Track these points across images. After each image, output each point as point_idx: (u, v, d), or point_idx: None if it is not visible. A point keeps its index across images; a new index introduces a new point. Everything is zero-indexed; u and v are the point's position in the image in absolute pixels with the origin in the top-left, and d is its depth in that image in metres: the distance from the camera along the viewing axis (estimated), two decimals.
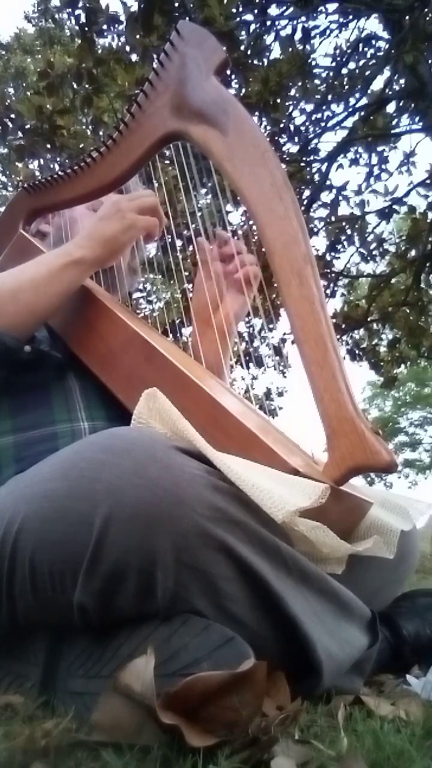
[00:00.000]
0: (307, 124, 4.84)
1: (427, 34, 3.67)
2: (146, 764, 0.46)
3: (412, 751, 0.46)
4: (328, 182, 5.00)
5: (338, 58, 4.56)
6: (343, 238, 5.35)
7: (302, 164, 4.84)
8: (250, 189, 0.85)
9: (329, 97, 4.71)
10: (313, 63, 4.51)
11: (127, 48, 3.82)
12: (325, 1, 3.96)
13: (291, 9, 3.87)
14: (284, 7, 3.90)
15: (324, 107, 4.79)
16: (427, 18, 3.85)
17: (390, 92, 4.72)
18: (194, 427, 0.67)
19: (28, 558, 0.65)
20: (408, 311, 5.68)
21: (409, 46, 3.53)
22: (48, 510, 0.64)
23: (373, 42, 4.58)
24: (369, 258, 5.59)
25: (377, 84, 4.81)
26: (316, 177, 4.98)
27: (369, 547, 0.74)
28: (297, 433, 0.88)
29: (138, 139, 0.98)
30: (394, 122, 4.90)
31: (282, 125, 4.62)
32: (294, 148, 4.83)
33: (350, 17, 4.31)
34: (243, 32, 3.85)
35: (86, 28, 3.66)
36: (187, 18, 3.26)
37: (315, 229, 5.11)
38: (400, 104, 4.75)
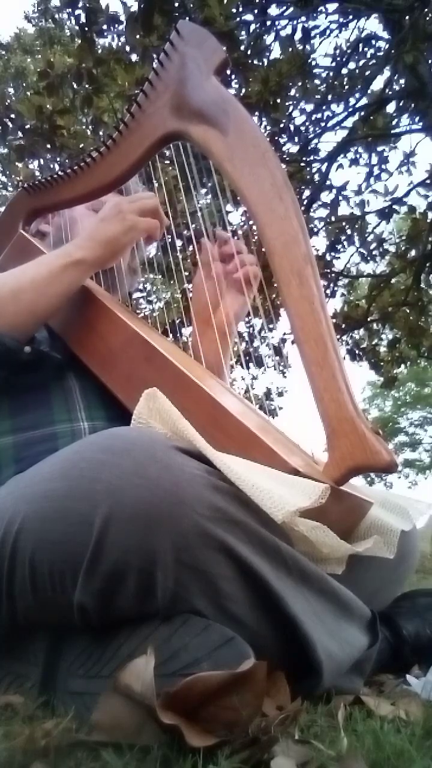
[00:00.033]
0: (307, 124, 4.85)
1: (427, 34, 3.67)
2: (146, 764, 0.46)
3: (412, 751, 0.46)
4: (328, 182, 5.01)
5: (338, 58, 4.56)
6: (343, 238, 5.36)
7: (302, 164, 4.84)
8: (250, 189, 0.85)
9: (329, 97, 4.71)
10: (313, 63, 4.51)
11: (127, 48, 3.82)
12: (325, 1, 3.96)
13: (291, 9, 3.87)
14: (284, 7, 3.90)
15: (324, 107, 4.79)
16: (427, 18, 3.85)
17: (390, 92, 4.72)
18: (194, 427, 0.67)
19: (28, 558, 0.65)
20: (408, 311, 5.68)
21: (409, 46, 3.53)
22: (48, 510, 0.64)
23: (373, 42, 4.59)
24: (369, 258, 5.59)
25: (377, 84, 4.82)
26: (316, 177, 4.98)
27: (369, 547, 0.74)
28: (297, 433, 0.88)
29: (138, 139, 0.98)
30: (394, 122, 4.90)
31: (282, 125, 4.62)
32: (294, 148, 4.83)
33: (350, 17, 4.31)
34: (243, 32, 3.86)
35: (86, 28, 3.66)
36: (187, 18, 3.26)
37: (315, 229, 5.11)
38: (400, 104, 4.75)
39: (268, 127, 4.53)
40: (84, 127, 4.76)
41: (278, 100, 4.30)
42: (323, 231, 5.30)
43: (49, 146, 4.10)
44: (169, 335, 1.28)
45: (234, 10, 3.55)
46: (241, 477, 0.62)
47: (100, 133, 4.25)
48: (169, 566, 0.58)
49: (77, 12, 3.63)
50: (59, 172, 1.09)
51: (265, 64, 4.22)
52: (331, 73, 4.66)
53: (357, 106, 4.73)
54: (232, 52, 3.40)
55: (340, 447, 0.72)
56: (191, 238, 1.08)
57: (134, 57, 3.78)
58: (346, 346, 6.04)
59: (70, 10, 3.64)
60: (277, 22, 4.01)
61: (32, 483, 0.69)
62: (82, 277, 0.96)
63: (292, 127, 4.73)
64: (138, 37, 3.49)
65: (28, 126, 4.04)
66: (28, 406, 0.94)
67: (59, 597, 0.64)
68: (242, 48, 3.80)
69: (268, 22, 3.96)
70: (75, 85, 3.95)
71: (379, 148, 4.94)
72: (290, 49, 4.16)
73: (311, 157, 4.87)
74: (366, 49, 4.63)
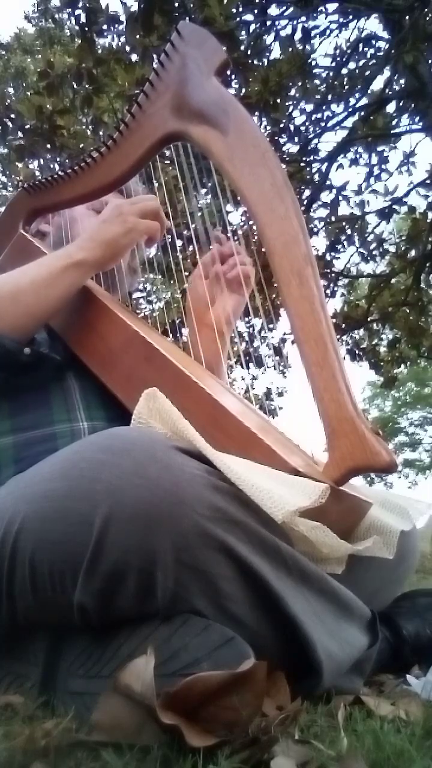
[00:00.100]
0: (307, 124, 4.85)
1: (427, 34, 3.67)
2: (146, 764, 0.46)
3: (412, 751, 0.46)
4: (328, 182, 5.01)
5: (338, 58, 4.56)
6: (343, 238, 5.36)
7: (302, 164, 4.84)
8: (250, 189, 0.85)
9: (329, 97, 4.71)
10: (313, 63, 4.51)
11: (127, 48, 3.82)
12: (325, 1, 3.96)
13: (291, 9, 3.87)
14: (284, 7, 3.90)
15: (324, 107, 4.79)
16: (427, 18, 3.85)
17: (390, 92, 4.72)
18: (194, 427, 0.67)
19: (28, 558, 0.65)
20: (408, 311, 5.68)
21: (409, 46, 3.53)
22: (48, 510, 0.64)
23: (373, 42, 4.59)
24: (369, 258, 5.60)
25: (377, 84, 4.83)
26: (316, 177, 4.98)
27: (369, 546, 0.74)
28: (297, 433, 0.88)
29: (138, 139, 0.98)
30: (394, 122, 4.90)
31: (282, 125, 4.62)
32: (294, 148, 4.83)
33: (350, 17, 4.31)
34: (243, 32, 3.86)
35: (86, 28, 3.66)
36: (187, 18, 3.27)
37: (315, 229, 5.11)
38: (400, 104, 4.75)
39: (268, 127, 4.53)
40: (84, 127, 4.76)
41: (278, 100, 4.30)
42: (323, 231, 5.30)
43: (49, 146, 4.10)
44: (169, 335, 1.29)
45: (234, 10, 3.55)
46: (241, 477, 0.62)
47: (100, 133, 4.25)
48: (169, 566, 0.58)
49: (77, 12, 3.63)
50: (59, 172, 1.09)
51: (265, 64, 4.22)
52: (331, 73, 4.66)
53: (357, 106, 4.74)
54: (232, 52, 3.40)
55: (340, 447, 0.72)
56: (191, 238, 1.08)
57: (134, 57, 3.78)
58: (346, 346, 6.04)
59: (70, 10, 3.64)
60: (277, 22, 4.02)
61: (32, 483, 0.70)
62: (83, 278, 0.96)
63: (292, 127, 4.73)
64: (138, 37, 3.49)
65: (28, 126, 4.04)
66: (28, 407, 0.94)
67: (59, 597, 0.64)
68: (242, 48, 3.79)
69: (268, 22, 3.96)
70: (75, 85, 3.95)
71: (379, 148, 4.94)
72: (290, 49, 4.16)
73: (311, 157, 4.87)
74: (366, 49, 4.64)
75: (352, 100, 4.74)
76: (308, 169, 4.96)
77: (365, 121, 4.64)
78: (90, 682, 0.62)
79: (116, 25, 3.74)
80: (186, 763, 0.45)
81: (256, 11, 3.84)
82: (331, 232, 5.33)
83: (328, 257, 5.41)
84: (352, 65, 4.67)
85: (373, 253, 5.53)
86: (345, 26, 4.43)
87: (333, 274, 5.54)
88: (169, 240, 1.18)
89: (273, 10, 3.92)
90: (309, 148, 4.81)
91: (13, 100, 4.73)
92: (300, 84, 4.54)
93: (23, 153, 4.15)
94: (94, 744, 0.48)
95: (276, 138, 4.57)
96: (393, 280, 5.84)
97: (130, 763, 0.45)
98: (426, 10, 3.75)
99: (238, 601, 0.61)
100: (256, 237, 0.94)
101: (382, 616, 0.81)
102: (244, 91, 4.17)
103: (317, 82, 4.71)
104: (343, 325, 5.63)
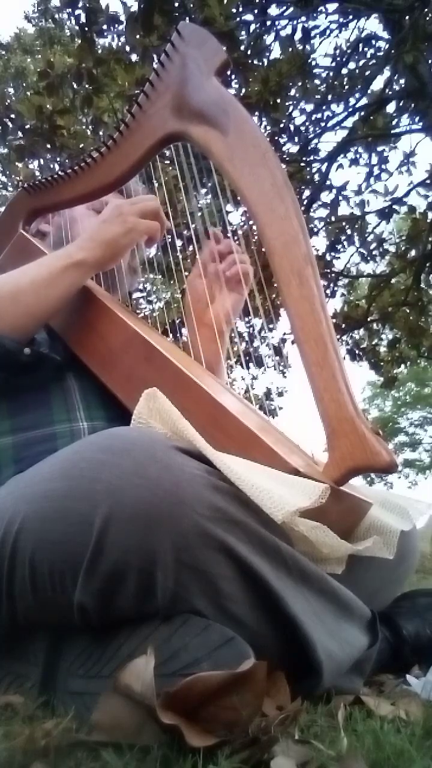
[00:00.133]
0: (307, 124, 4.85)
1: (427, 34, 3.67)
2: (146, 764, 0.46)
3: (412, 751, 0.46)
4: (328, 182, 5.01)
5: (338, 58, 4.56)
6: (343, 238, 5.36)
7: (302, 164, 4.84)
8: (250, 189, 0.85)
9: (329, 97, 4.71)
10: (313, 63, 4.51)
11: (127, 48, 3.82)
12: (325, 1, 3.96)
13: (291, 9, 3.87)
14: (284, 7, 3.90)
15: (324, 107, 4.79)
16: (427, 18, 3.85)
17: (390, 92, 4.72)
18: (194, 427, 0.67)
19: (28, 558, 0.65)
20: (408, 311, 5.68)
21: (409, 46, 3.53)
22: (48, 510, 0.64)
23: (373, 42, 4.59)
24: (369, 258, 5.60)
25: (377, 84, 4.82)
26: (316, 177, 4.98)
27: (369, 546, 0.74)
28: (297, 433, 0.88)
29: (138, 139, 0.98)
30: (394, 122, 4.90)
31: (282, 125, 4.62)
32: (294, 148, 4.83)
33: (350, 17, 4.31)
34: (243, 32, 3.85)
35: (86, 28, 3.66)
36: (187, 18, 3.27)
37: (315, 229, 5.11)
38: (400, 104, 4.75)
39: (268, 127, 4.53)
40: (84, 127, 4.76)
41: (278, 100, 4.30)
42: (323, 231, 5.30)
43: (49, 146, 4.10)
44: (169, 335, 1.29)
45: (234, 10, 3.55)
46: (241, 477, 0.62)
47: (100, 133, 4.25)
48: (169, 566, 0.59)
49: (77, 12, 3.63)
50: (59, 172, 1.09)
51: (265, 64, 4.22)
52: (331, 73, 4.66)
53: (357, 106, 4.74)
54: (232, 52, 3.40)
55: (340, 447, 0.72)
56: (191, 238, 1.08)
57: (134, 57, 3.78)
58: (346, 346, 6.04)
59: (70, 10, 3.64)
60: (277, 22, 4.02)
61: (32, 483, 0.70)
62: (83, 278, 0.96)
63: (292, 127, 4.73)
64: (138, 37, 3.49)
65: (28, 126, 4.04)
66: (28, 407, 0.94)
67: (59, 597, 0.64)
68: (242, 48, 3.79)
69: (268, 22, 3.96)
70: (75, 85, 3.95)
71: (379, 148, 4.94)
72: (290, 49, 4.16)
73: (311, 157, 4.87)
74: (366, 49, 4.64)
75: (352, 100, 4.75)
76: (308, 169, 4.96)
77: (365, 121, 4.64)
78: (90, 682, 0.62)
79: (116, 25, 3.74)
80: (186, 763, 0.45)
81: (256, 11, 3.84)
82: (331, 232, 5.33)
83: (328, 257, 5.41)
84: (352, 65, 4.68)
85: (373, 253, 5.53)
86: (345, 26, 4.43)
87: (333, 274, 5.54)
88: (169, 240, 1.18)
89: (273, 10, 3.93)
90: (309, 148, 4.81)
91: (13, 100, 4.73)
92: (300, 84, 4.54)
93: (23, 153, 4.15)
94: (94, 744, 0.48)
95: (276, 138, 4.57)
96: (393, 280, 5.84)
97: (130, 763, 0.45)
98: (426, 10, 3.75)
99: (238, 601, 0.61)
100: (256, 237, 0.94)
101: (382, 616, 0.81)
102: (244, 91, 4.17)
103: (317, 82, 4.71)
104: (343, 325, 5.63)
